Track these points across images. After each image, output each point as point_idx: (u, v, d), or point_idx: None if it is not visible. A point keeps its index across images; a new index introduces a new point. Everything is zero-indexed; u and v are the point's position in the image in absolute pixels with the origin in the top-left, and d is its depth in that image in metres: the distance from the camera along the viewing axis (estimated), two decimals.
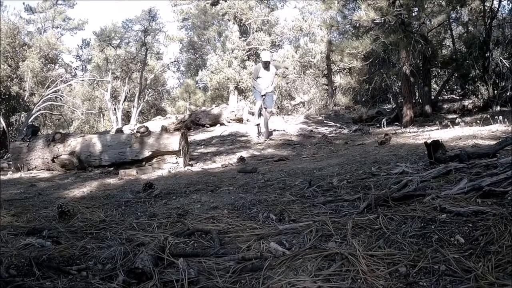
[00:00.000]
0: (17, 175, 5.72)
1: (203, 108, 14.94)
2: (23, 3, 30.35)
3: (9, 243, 1.93)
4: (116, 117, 23.13)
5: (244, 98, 20.48)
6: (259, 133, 8.30)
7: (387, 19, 7.61)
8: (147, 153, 5.53)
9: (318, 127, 9.82)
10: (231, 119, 10.86)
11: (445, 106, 10.44)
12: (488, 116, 7.29)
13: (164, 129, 9.47)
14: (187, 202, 2.70)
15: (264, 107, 8.00)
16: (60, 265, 1.60)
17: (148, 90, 25.79)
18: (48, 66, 20.54)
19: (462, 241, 1.52)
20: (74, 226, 2.28)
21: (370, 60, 8.79)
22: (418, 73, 9.49)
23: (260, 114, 8.20)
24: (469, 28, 10.58)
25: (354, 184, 2.73)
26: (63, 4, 24.17)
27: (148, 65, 24.83)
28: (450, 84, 12.10)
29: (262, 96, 7.93)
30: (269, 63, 8.01)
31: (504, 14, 10.55)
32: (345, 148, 6.13)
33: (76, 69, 25.95)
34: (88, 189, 3.92)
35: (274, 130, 9.00)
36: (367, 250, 1.51)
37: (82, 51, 26.05)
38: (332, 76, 14.79)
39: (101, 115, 25.91)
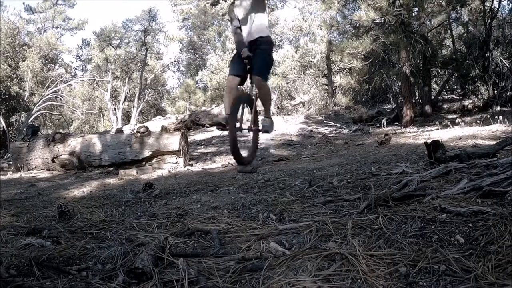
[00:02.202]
0: (17, 175, 5.71)
1: (203, 108, 14.94)
2: (23, 3, 30.39)
3: (9, 243, 1.93)
4: (116, 117, 23.13)
5: None
6: (240, 160, 3.12)
7: (387, 19, 7.62)
8: (147, 153, 5.53)
9: (318, 127, 9.82)
10: None
11: (445, 106, 10.43)
12: (488, 116, 7.29)
13: (164, 129, 9.47)
14: (187, 202, 2.70)
15: (250, 83, 3.40)
16: (60, 265, 1.60)
17: (148, 90, 25.78)
18: (48, 66, 20.55)
19: (462, 241, 1.51)
20: (74, 226, 2.28)
21: (370, 60, 8.78)
22: (418, 73, 9.49)
23: (233, 111, 3.17)
24: (469, 28, 10.58)
25: (354, 184, 2.73)
26: (63, 4, 24.17)
27: (148, 65, 24.83)
28: (450, 84, 12.09)
29: (245, 59, 3.15)
30: None
31: (504, 14, 10.56)
32: (345, 148, 6.13)
33: (76, 69, 25.96)
34: (88, 189, 3.92)
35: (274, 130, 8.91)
36: (367, 250, 1.50)
37: (82, 51, 26.06)
38: (332, 76, 14.78)
39: (101, 115, 25.90)
